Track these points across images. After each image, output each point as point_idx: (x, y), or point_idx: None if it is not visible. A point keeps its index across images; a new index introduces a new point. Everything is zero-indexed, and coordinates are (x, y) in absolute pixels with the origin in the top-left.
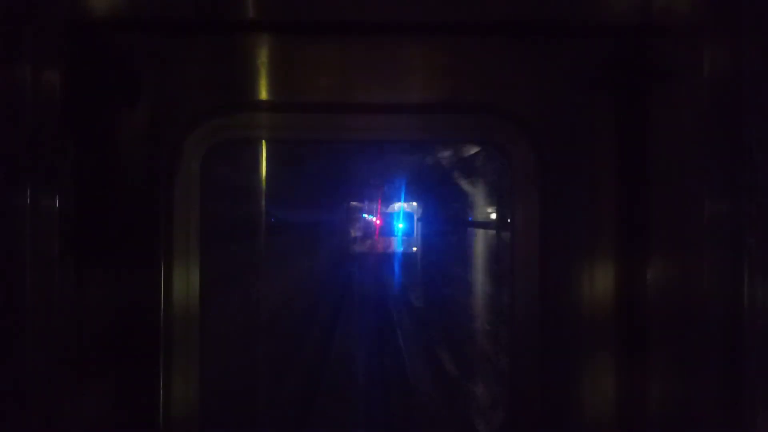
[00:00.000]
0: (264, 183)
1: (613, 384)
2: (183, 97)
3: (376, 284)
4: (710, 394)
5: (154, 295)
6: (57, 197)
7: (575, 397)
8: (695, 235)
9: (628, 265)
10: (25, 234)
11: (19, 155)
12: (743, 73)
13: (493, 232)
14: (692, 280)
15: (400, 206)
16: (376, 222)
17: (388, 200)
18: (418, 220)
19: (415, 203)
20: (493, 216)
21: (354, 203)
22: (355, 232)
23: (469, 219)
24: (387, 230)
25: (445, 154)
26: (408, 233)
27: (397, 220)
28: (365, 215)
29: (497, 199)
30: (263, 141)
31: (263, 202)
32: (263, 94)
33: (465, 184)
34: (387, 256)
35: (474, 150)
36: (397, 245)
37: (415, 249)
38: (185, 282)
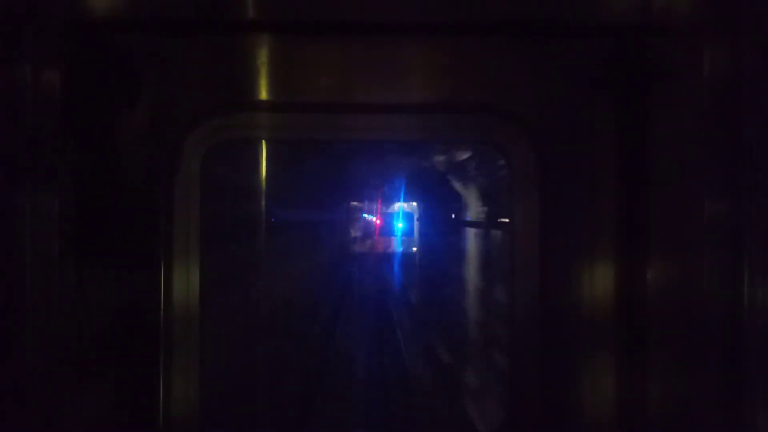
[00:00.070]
0: (264, 183)
1: (613, 384)
2: (183, 97)
3: (376, 284)
4: (710, 394)
5: (154, 295)
6: (57, 197)
7: (575, 397)
8: (695, 235)
9: (628, 265)
10: (25, 234)
11: (19, 155)
12: (743, 73)
13: (491, 231)
14: (692, 280)
15: (399, 206)
16: (376, 222)
17: (388, 200)
18: (417, 220)
19: (414, 203)
20: (492, 216)
21: (354, 203)
22: (355, 232)
23: (468, 219)
24: (387, 230)
25: (444, 154)
26: (408, 233)
27: (397, 220)
28: (365, 215)
29: (495, 200)
30: (263, 141)
31: (263, 202)
32: (263, 94)
33: (464, 185)
34: (387, 256)
35: (473, 151)
36: (397, 245)
37: (414, 249)
38: (185, 282)
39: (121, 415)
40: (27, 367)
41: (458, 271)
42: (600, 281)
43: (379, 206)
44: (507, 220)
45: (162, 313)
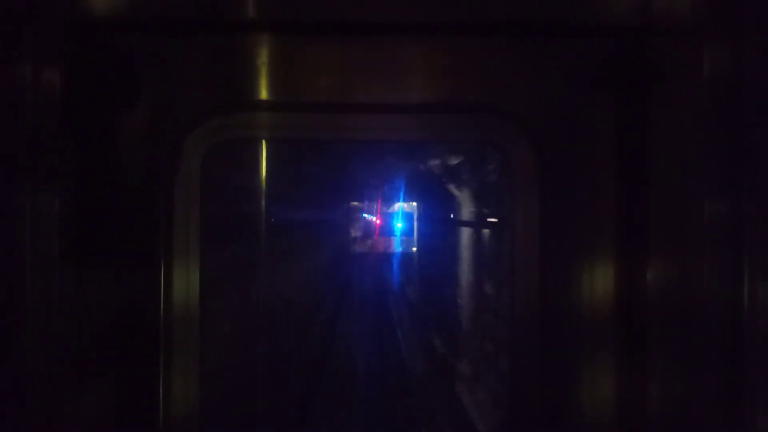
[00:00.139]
0: (264, 183)
1: (613, 384)
2: (183, 97)
3: (376, 285)
4: (710, 394)
5: (154, 295)
6: (57, 197)
7: (575, 397)
8: (695, 235)
9: (628, 265)
10: (25, 234)
11: (19, 155)
12: (743, 73)
13: (489, 231)
14: (692, 280)
15: (399, 206)
16: (376, 222)
17: (388, 200)
18: (417, 220)
19: (414, 203)
20: (483, 216)
21: (354, 203)
22: (356, 232)
23: (466, 219)
24: (387, 230)
25: (439, 158)
26: (407, 233)
27: (397, 220)
28: (365, 215)
29: (486, 201)
30: (263, 141)
31: (263, 202)
32: (263, 94)
33: (457, 187)
34: (387, 256)
35: (464, 156)
36: (397, 245)
37: (414, 249)
38: (185, 282)
39: (121, 415)
40: (27, 367)
41: (454, 269)
42: (600, 281)
43: (379, 206)
44: (495, 220)
45: (162, 313)
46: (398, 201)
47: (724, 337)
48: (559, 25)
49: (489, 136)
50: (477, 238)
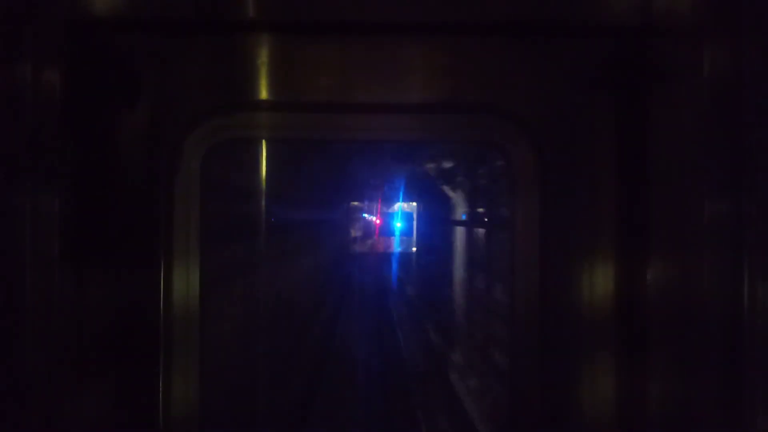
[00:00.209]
0: (264, 183)
1: (613, 384)
2: (183, 97)
3: (376, 286)
4: (710, 394)
5: (154, 295)
6: (57, 197)
7: (575, 397)
8: (695, 235)
9: (628, 265)
10: (25, 234)
11: (19, 155)
12: (743, 73)
13: (490, 231)
14: (692, 280)
15: (399, 206)
16: (375, 222)
17: (388, 200)
18: (417, 219)
19: (414, 203)
20: (491, 216)
21: (354, 203)
22: (356, 232)
23: (466, 219)
24: (387, 230)
25: (434, 161)
26: (407, 233)
27: (397, 220)
28: (365, 215)
29: (494, 200)
30: (263, 141)
31: (263, 202)
32: (263, 94)
33: (462, 185)
34: (387, 256)
35: (471, 151)
36: (397, 245)
37: (414, 249)
38: (185, 282)
39: (121, 415)
40: (27, 367)
41: (454, 270)
42: (600, 281)
43: (379, 206)
44: (487, 220)
45: (162, 313)
46: (398, 201)
47: (724, 337)
48: (559, 25)
49: (489, 136)
50: (478, 238)
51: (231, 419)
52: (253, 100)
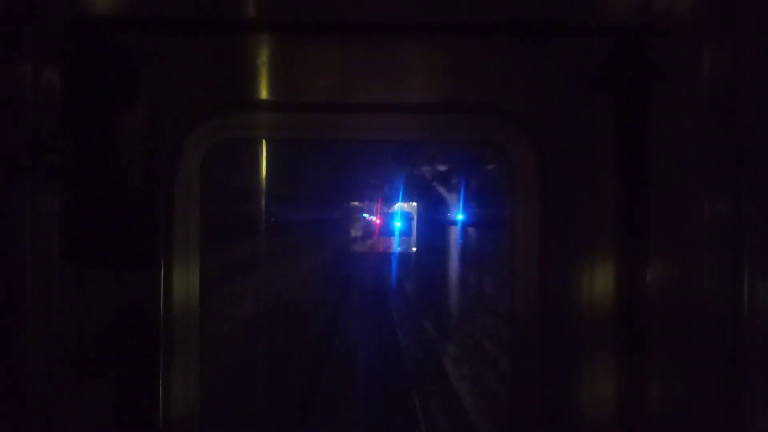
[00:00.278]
0: (264, 183)
1: (613, 384)
2: (183, 97)
3: (376, 287)
4: (710, 394)
5: (154, 295)
6: (57, 197)
7: (575, 397)
8: (695, 235)
9: (628, 265)
10: (25, 234)
11: (19, 155)
12: (743, 73)
13: (491, 232)
14: (692, 280)
15: (399, 206)
16: (375, 222)
17: (388, 200)
18: (417, 219)
19: (414, 203)
20: (491, 216)
21: (354, 203)
22: (356, 232)
23: (467, 219)
24: (387, 230)
25: (429, 165)
26: (407, 233)
27: (397, 220)
28: (365, 215)
29: (494, 200)
30: (263, 141)
31: (263, 202)
32: (263, 94)
33: (462, 185)
34: (387, 256)
35: (472, 151)
36: (397, 245)
37: (414, 249)
38: (185, 282)
39: (121, 415)
40: (27, 367)
41: (454, 270)
42: (600, 281)
43: (379, 206)
44: (488, 220)
45: (162, 313)
46: (398, 201)
47: (724, 337)
48: (559, 25)
49: (489, 136)
50: (478, 238)
51: (231, 419)
52: (253, 100)
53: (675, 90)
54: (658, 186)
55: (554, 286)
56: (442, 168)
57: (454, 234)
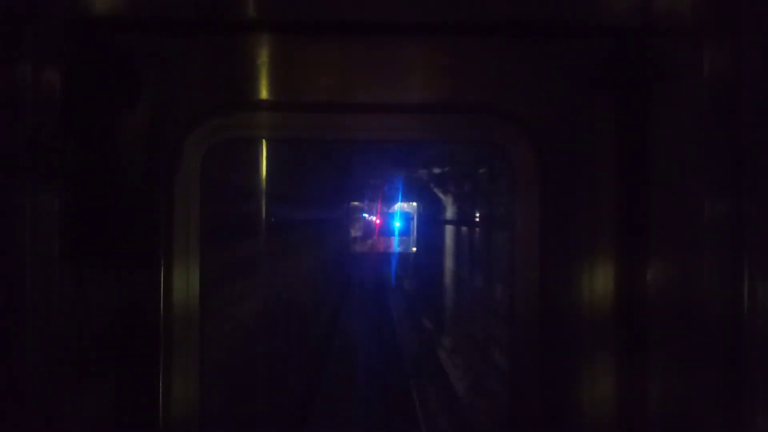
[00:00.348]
0: (264, 183)
1: (613, 384)
2: (183, 97)
3: (376, 288)
4: (710, 394)
5: (154, 295)
6: (57, 197)
7: (575, 397)
8: (695, 235)
9: (628, 265)
10: (25, 234)
11: (19, 155)
12: (743, 73)
13: (488, 231)
14: (692, 280)
15: (399, 206)
16: (375, 222)
17: (388, 200)
18: (417, 219)
19: (414, 203)
20: (492, 216)
21: (354, 203)
22: (356, 232)
23: (467, 219)
24: (387, 230)
25: (425, 168)
26: (407, 233)
27: (397, 220)
28: (365, 215)
29: (495, 200)
30: (263, 141)
31: (263, 202)
32: (263, 94)
33: (463, 185)
34: (387, 256)
35: (473, 151)
36: (397, 245)
37: (414, 249)
38: (185, 282)
39: (121, 415)
40: (27, 367)
41: (455, 271)
42: (600, 281)
43: (379, 206)
44: (488, 220)
45: (162, 313)
46: (398, 201)
47: (724, 337)
48: (559, 25)
49: (489, 136)
50: (478, 238)
51: (231, 419)
52: (253, 100)
53: (675, 90)
54: (658, 186)
55: (554, 286)
56: (442, 168)
57: (455, 234)
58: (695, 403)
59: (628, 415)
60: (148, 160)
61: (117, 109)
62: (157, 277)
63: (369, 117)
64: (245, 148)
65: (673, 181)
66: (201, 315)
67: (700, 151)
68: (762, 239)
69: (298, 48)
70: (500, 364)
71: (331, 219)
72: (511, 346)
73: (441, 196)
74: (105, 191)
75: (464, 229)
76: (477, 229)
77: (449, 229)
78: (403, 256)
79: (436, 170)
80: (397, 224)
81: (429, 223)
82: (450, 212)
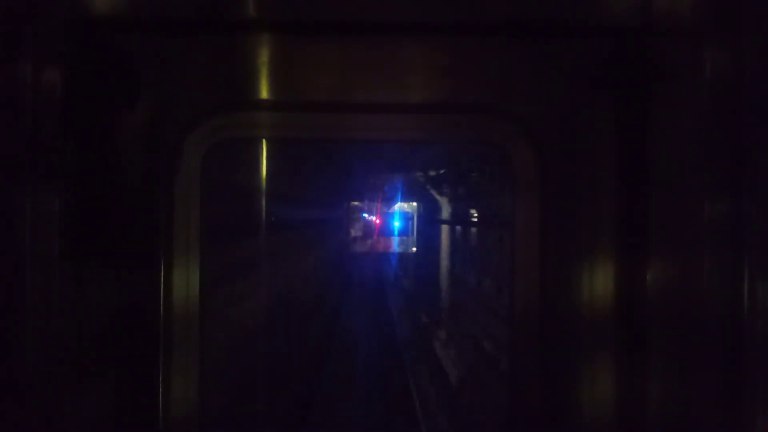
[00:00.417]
0: (264, 183)
1: (613, 384)
2: (183, 97)
3: (376, 290)
4: (710, 394)
5: (154, 295)
6: (57, 197)
7: (575, 397)
8: (695, 235)
9: (628, 265)
10: (25, 234)
11: (19, 155)
12: (743, 73)
13: (489, 231)
14: (692, 280)
15: (399, 206)
16: (375, 222)
17: (388, 200)
18: (417, 219)
19: (414, 203)
20: (493, 217)
21: (354, 203)
22: (355, 232)
23: (468, 219)
24: (387, 230)
25: (423, 171)
26: (407, 233)
27: (396, 219)
28: (365, 215)
29: (496, 200)
30: (263, 140)
31: (263, 202)
32: (263, 94)
33: (463, 185)
34: (386, 256)
35: (473, 151)
36: (396, 245)
37: (414, 249)
38: (185, 282)
39: (121, 415)
40: (27, 367)
41: (455, 271)
42: (600, 281)
43: (379, 206)
44: (488, 220)
45: (162, 313)
46: (398, 201)
47: (724, 337)
48: (559, 25)
49: (489, 136)
50: (479, 239)
51: (231, 419)
52: (253, 100)
53: (675, 90)
54: (658, 186)
55: (554, 286)
56: (442, 168)
57: (455, 234)
58: (695, 403)
59: (628, 415)
60: (148, 160)
61: (117, 109)
62: (157, 277)
63: (369, 117)
64: (245, 148)
65: (673, 182)
66: (201, 315)
67: (700, 151)
68: (762, 239)
69: (298, 48)
70: (500, 364)
71: (331, 219)
72: (511, 346)
73: (442, 196)
74: (105, 191)
75: (464, 229)
76: (477, 229)
77: (449, 230)
78: (403, 257)
79: (436, 170)
80: (397, 224)
81: (429, 223)
82: (450, 212)
